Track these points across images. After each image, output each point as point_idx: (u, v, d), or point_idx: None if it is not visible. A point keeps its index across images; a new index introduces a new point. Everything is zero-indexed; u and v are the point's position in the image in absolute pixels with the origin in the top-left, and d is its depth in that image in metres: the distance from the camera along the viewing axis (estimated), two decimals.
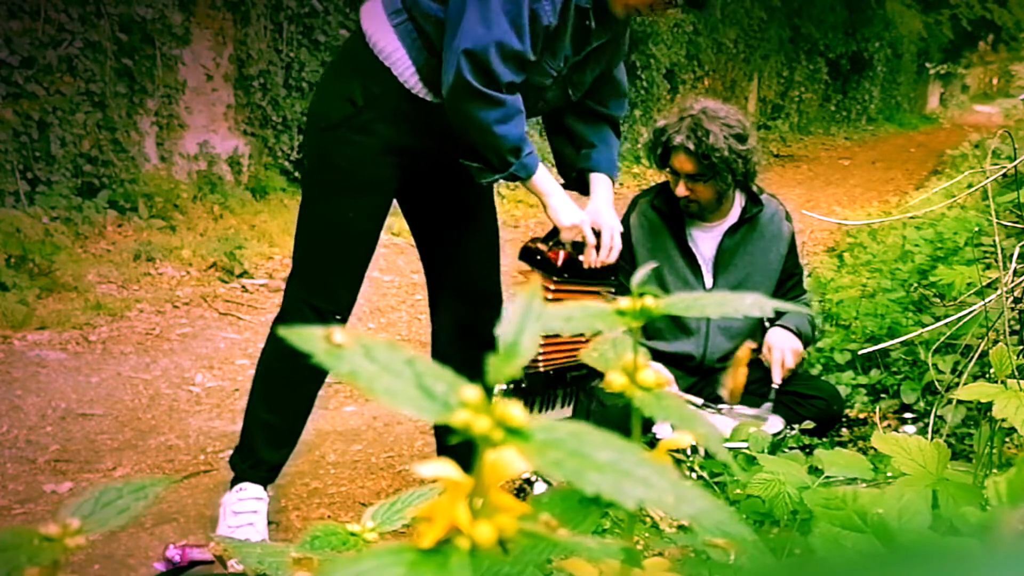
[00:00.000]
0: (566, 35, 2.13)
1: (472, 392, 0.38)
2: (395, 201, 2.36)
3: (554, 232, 2.27)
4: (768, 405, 2.70)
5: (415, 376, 0.39)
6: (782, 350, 2.72)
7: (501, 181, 2.19)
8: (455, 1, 2.04)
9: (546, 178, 2.20)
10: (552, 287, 2.24)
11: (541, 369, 2.29)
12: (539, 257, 2.27)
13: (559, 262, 2.24)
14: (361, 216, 2.24)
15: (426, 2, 2.10)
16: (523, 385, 2.30)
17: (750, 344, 2.76)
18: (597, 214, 2.28)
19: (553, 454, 0.37)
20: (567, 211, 2.22)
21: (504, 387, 2.39)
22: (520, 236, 5.17)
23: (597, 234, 2.26)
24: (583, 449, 0.37)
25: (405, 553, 0.36)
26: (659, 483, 0.36)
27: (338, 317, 2.27)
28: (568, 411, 2.45)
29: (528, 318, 0.42)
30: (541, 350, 2.24)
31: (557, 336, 2.53)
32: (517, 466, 0.36)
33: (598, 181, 2.33)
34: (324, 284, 2.25)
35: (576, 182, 2.37)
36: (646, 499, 0.36)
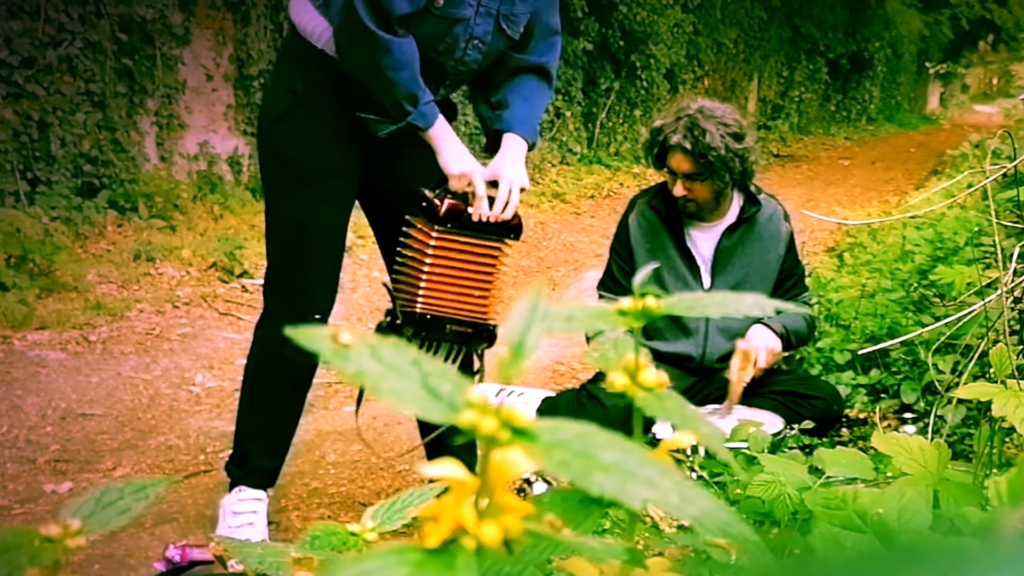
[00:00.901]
0: None
1: (478, 393, 0.38)
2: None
3: (445, 180, 2.16)
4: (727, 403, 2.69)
5: (421, 376, 0.39)
6: (756, 348, 2.71)
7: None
8: None
9: (443, 126, 2.12)
10: (435, 235, 2.11)
11: (418, 309, 2.14)
12: (424, 204, 2.13)
13: (442, 210, 2.10)
14: (321, 209, 2.20)
15: None
16: (397, 321, 2.18)
17: (742, 344, 2.77)
18: (499, 167, 2.16)
19: (559, 455, 0.37)
20: (457, 159, 2.12)
21: (381, 321, 2.24)
22: None
23: (497, 189, 2.16)
24: (589, 450, 0.37)
25: (410, 553, 0.36)
26: (664, 484, 0.36)
27: (317, 317, 2.24)
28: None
29: (533, 317, 0.42)
30: (422, 288, 2.13)
31: (444, 279, 2.44)
32: (523, 466, 0.36)
33: (509, 139, 2.20)
34: (297, 284, 2.23)
35: (492, 144, 2.25)
36: (651, 500, 0.36)
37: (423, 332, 2.15)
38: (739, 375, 2.67)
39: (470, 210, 2.13)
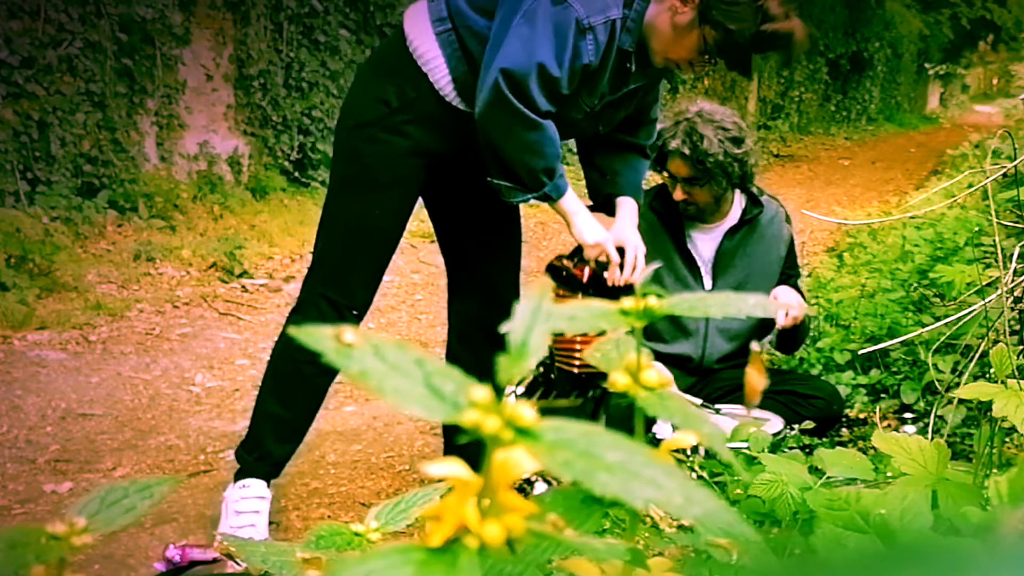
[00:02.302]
0: (605, 75, 2.17)
1: (481, 392, 0.38)
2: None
3: (579, 250, 2.32)
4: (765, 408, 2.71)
5: (424, 376, 0.39)
6: (787, 303, 2.77)
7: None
8: (501, 21, 2.07)
9: (572, 198, 2.24)
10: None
11: (576, 371, 2.35)
12: (564, 274, 2.32)
13: (584, 278, 2.29)
14: (384, 214, 2.26)
15: (473, 16, 2.13)
16: (552, 376, 2.38)
17: (756, 346, 2.78)
18: (621, 233, 2.33)
19: (563, 454, 0.37)
20: (591, 230, 2.26)
21: (530, 385, 2.47)
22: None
23: (621, 253, 2.30)
24: (592, 450, 0.37)
25: (414, 552, 0.36)
26: (668, 484, 0.36)
27: (355, 313, 2.29)
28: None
29: (537, 318, 0.42)
30: (579, 348, 2.29)
31: (591, 338, 2.58)
32: (526, 466, 0.37)
33: (623, 203, 2.38)
34: (342, 279, 2.28)
35: (602, 204, 2.43)
36: (655, 500, 0.36)
37: (578, 391, 2.40)
38: (784, 321, 2.75)
39: (604, 275, 2.31)
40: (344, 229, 2.28)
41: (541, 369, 2.44)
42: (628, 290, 2.34)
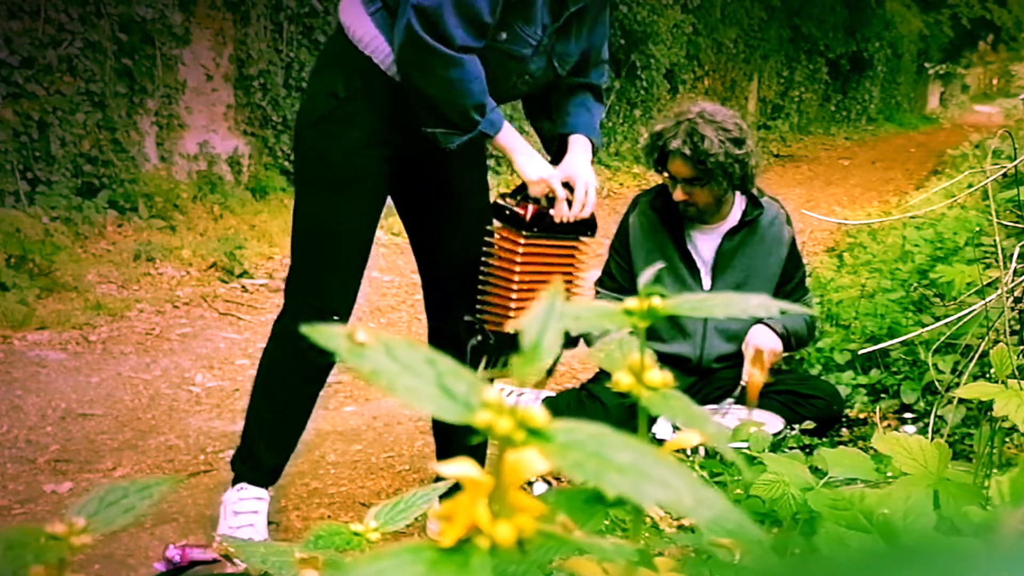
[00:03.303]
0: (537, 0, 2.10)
1: (493, 393, 0.38)
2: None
3: (523, 187, 2.21)
4: (730, 400, 2.69)
5: (436, 376, 0.39)
6: (756, 348, 2.72)
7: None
8: None
9: (512, 134, 2.15)
10: (522, 242, 2.16)
11: (492, 328, 2.24)
12: (507, 212, 2.19)
13: (527, 216, 2.17)
14: (351, 212, 2.22)
15: None
16: (490, 341, 2.24)
17: (758, 347, 2.77)
18: (571, 168, 2.22)
19: (574, 455, 0.37)
20: (534, 165, 2.17)
21: (472, 344, 2.30)
22: None
23: (571, 189, 2.20)
24: (603, 451, 0.37)
25: (424, 551, 0.36)
26: (678, 485, 0.36)
27: (336, 317, 2.25)
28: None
29: (550, 317, 0.42)
30: (514, 303, 2.16)
31: (533, 287, 2.45)
32: (538, 467, 0.37)
33: (575, 141, 2.27)
34: (320, 283, 2.24)
35: (558, 155, 2.31)
36: (665, 500, 0.36)
37: (500, 351, 2.25)
38: (752, 375, 2.67)
39: (551, 212, 2.18)
40: (313, 232, 2.23)
41: (479, 337, 2.27)
42: (577, 228, 2.22)
